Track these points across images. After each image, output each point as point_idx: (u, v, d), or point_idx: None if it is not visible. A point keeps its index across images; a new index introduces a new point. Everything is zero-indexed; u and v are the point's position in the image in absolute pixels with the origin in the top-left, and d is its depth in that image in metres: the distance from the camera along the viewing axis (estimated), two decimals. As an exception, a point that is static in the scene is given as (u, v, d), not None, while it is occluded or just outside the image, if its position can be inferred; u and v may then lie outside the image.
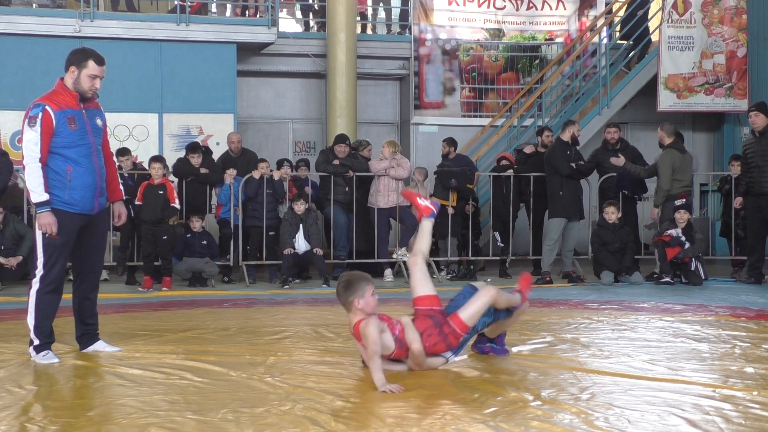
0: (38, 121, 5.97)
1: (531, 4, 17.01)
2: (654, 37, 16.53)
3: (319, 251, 12.13)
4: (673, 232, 11.95)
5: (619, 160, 12.64)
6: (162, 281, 11.42)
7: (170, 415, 4.69)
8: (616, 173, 12.98)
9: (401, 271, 12.62)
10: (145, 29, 14.72)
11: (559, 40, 17.06)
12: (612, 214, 12.22)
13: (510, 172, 13.38)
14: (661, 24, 15.96)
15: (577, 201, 12.55)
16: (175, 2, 15.14)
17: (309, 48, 16.08)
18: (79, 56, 6.16)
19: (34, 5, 14.94)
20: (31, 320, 6.23)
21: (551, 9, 17.11)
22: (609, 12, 17.11)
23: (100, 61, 6.19)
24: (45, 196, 6.04)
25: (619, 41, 17.32)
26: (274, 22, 15.23)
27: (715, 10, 15.95)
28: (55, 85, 6.20)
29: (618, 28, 17.21)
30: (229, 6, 16.25)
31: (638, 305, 9.56)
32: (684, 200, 12.23)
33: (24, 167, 6.09)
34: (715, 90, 15.98)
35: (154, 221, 11.36)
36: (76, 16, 14.42)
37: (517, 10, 16.93)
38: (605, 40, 17.10)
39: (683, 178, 12.31)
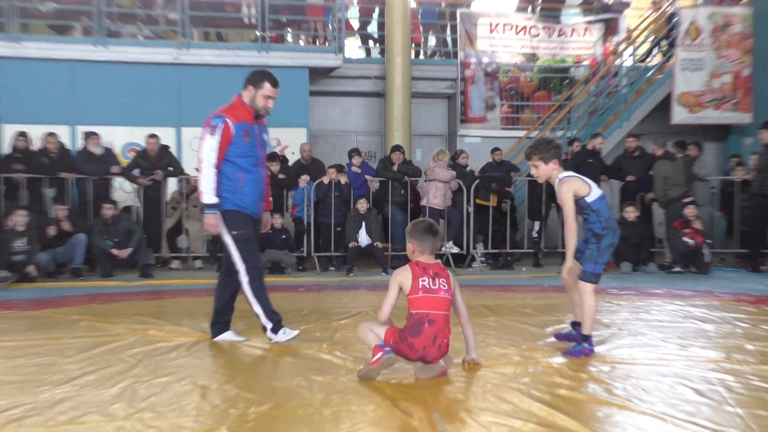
0: (219, 130, 5.80)
1: (561, 32, 16.94)
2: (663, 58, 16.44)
3: (379, 244, 12.18)
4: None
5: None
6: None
7: (254, 381, 4.77)
8: (635, 178, 13.00)
9: (449, 263, 12.63)
10: (231, 56, 14.87)
11: (586, 62, 16.93)
12: (631, 213, 12.23)
13: (543, 176, 13.32)
14: (675, 48, 15.82)
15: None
16: (257, 33, 15.29)
17: (370, 71, 16.14)
18: (257, 78, 5.97)
19: (140, 37, 15.17)
20: (257, 309, 5.98)
21: (579, 36, 17.00)
22: (629, 38, 16.94)
23: (274, 84, 6.00)
24: (215, 199, 5.85)
25: (637, 63, 17.20)
26: (341, 49, 15.32)
27: (723, 35, 15.78)
28: (232, 99, 6.01)
29: (637, 51, 17.10)
30: (302, 35, 16.36)
31: (653, 291, 9.49)
32: (691, 198, 12.30)
33: (199, 170, 5.90)
34: (722, 105, 15.83)
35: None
36: (174, 46, 14.64)
37: (550, 36, 16.84)
38: (626, 63, 16.95)
39: (679, 181, 12.36)
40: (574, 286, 5.76)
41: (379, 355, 4.75)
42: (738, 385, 4.64)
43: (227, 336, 6.12)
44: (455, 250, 12.83)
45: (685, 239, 11.88)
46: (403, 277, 4.91)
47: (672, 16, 16.33)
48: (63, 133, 13.28)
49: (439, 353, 4.84)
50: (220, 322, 6.18)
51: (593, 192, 5.61)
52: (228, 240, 5.96)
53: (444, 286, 4.89)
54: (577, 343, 5.65)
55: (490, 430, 3.78)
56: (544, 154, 5.67)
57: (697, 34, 15.72)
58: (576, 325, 5.86)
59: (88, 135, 12.45)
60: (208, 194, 5.85)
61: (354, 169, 12.99)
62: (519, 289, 9.80)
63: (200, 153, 5.87)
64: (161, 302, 8.63)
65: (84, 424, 3.89)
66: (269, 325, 5.99)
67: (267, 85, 5.96)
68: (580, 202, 5.56)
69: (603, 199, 5.66)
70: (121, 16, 15.08)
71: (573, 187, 5.56)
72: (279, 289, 9.88)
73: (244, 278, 5.95)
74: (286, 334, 5.97)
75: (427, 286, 4.85)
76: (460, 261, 12.92)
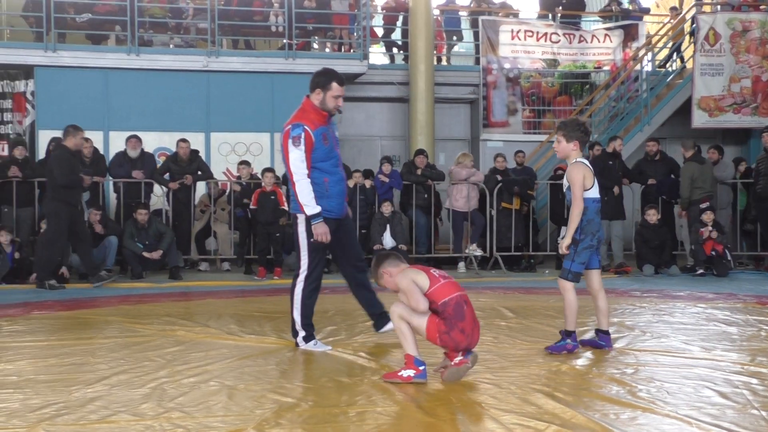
0: (302, 140, 5.67)
1: (582, 38, 16.83)
2: (688, 65, 16.28)
3: (403, 247, 12.12)
4: (705, 230, 11.82)
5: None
6: (274, 271, 11.55)
7: (281, 381, 4.74)
8: (656, 181, 12.88)
9: (472, 265, 12.55)
10: (259, 63, 14.89)
11: (606, 68, 16.80)
12: (653, 216, 12.12)
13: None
14: (694, 53, 15.67)
15: (619, 205, 12.41)
16: (284, 41, 15.30)
17: (394, 77, 16.08)
18: (324, 79, 5.83)
19: (170, 45, 15.22)
20: (297, 315, 5.83)
21: (599, 42, 16.87)
22: (649, 44, 16.79)
23: (341, 82, 5.86)
24: (317, 209, 5.67)
25: (657, 68, 17.05)
26: (366, 56, 15.29)
27: (742, 41, 15.62)
28: (302, 104, 5.90)
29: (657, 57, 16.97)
30: (328, 43, 16.35)
31: (675, 294, 9.37)
32: (708, 203, 12.18)
33: (293, 184, 5.71)
34: (742, 109, 15.66)
35: (267, 222, 11.51)
36: (204, 53, 14.67)
37: (570, 43, 16.73)
38: (646, 68, 16.82)
39: (703, 185, 12.31)
40: (599, 293, 5.70)
41: (412, 373, 4.64)
42: (762, 388, 4.54)
43: (390, 327, 5.82)
44: (479, 252, 12.74)
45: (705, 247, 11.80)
46: (413, 274, 4.78)
47: (691, 21, 16.20)
48: (97, 138, 13.34)
49: (478, 335, 4.80)
50: (375, 315, 6.17)
51: (593, 190, 5.73)
52: (303, 243, 5.80)
53: (445, 273, 4.88)
54: (599, 347, 5.63)
55: (513, 431, 3.71)
56: (570, 133, 5.76)
57: (715, 40, 15.58)
58: (600, 332, 5.79)
59: (129, 138, 12.51)
60: (309, 206, 5.67)
61: (382, 178, 12.91)
62: (542, 291, 9.70)
63: (289, 167, 5.73)
64: (189, 303, 8.63)
65: (114, 423, 3.87)
66: (302, 333, 5.85)
67: (335, 86, 5.83)
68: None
69: (596, 202, 5.77)
70: (153, 26, 15.14)
71: (583, 172, 5.67)
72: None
73: (300, 283, 5.82)
74: (317, 346, 5.82)
75: (441, 274, 4.81)
76: (484, 263, 12.84)
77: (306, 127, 5.73)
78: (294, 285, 5.85)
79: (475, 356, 4.80)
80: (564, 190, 5.94)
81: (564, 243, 5.72)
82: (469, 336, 4.68)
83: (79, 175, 10.46)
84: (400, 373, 4.67)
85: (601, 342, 5.76)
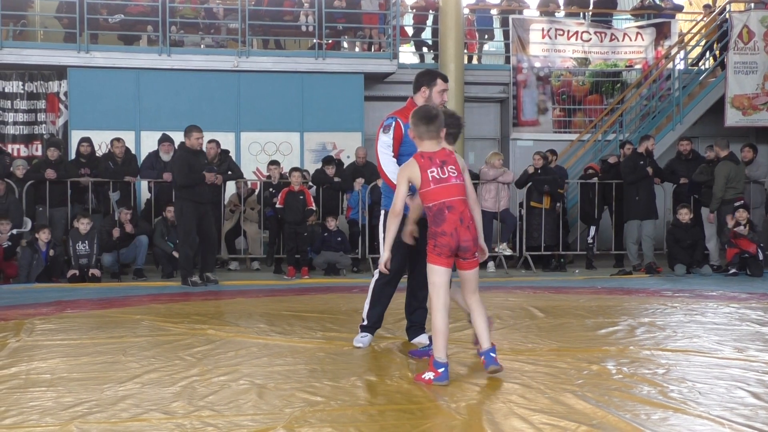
0: (391, 129, 5.87)
1: (613, 37, 16.69)
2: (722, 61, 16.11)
3: (432, 246, 12.07)
4: (738, 229, 11.69)
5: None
6: (302, 271, 11.58)
7: (310, 380, 4.75)
8: (689, 181, 12.77)
9: (502, 264, 12.50)
10: (289, 63, 14.95)
11: (638, 66, 16.65)
12: (685, 215, 12.03)
13: (595, 179, 13.22)
14: (728, 51, 15.50)
15: (651, 204, 12.26)
16: (314, 41, 15.34)
17: (424, 76, 16.04)
18: (428, 77, 5.97)
19: (201, 46, 15.32)
20: (366, 305, 5.98)
21: (631, 40, 16.72)
22: (681, 42, 16.63)
23: (445, 79, 6.01)
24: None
25: (690, 67, 16.88)
26: (395, 55, 15.29)
27: (776, 38, 15.44)
28: (405, 103, 6.01)
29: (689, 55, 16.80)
30: (357, 42, 16.37)
31: (707, 293, 9.27)
32: (741, 201, 12.07)
33: (379, 164, 5.93)
34: (776, 107, 15.48)
35: (295, 221, 11.53)
36: (235, 53, 14.76)
37: (601, 41, 16.60)
38: (678, 66, 16.65)
39: (737, 185, 12.20)
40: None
41: (432, 376, 4.66)
42: (797, 389, 4.47)
43: (421, 339, 5.92)
44: (508, 252, 12.70)
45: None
46: (410, 171, 4.82)
47: (724, 20, 16.01)
48: (128, 138, 13.47)
49: (471, 235, 4.75)
50: (413, 325, 6.10)
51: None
52: (382, 238, 5.80)
53: (453, 173, 4.80)
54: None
55: (543, 431, 3.69)
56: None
57: (749, 38, 15.41)
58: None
59: (161, 141, 12.59)
60: (392, 172, 5.74)
61: None
62: (572, 290, 9.65)
63: (377, 150, 5.95)
64: (219, 302, 8.68)
65: (145, 421, 3.90)
66: (364, 322, 5.97)
67: (439, 81, 5.93)
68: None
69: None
70: (184, 26, 15.25)
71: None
72: (335, 290, 9.88)
73: (376, 274, 5.92)
74: (361, 340, 5.90)
75: (437, 177, 4.76)
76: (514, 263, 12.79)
77: (399, 120, 5.88)
78: (372, 275, 6.02)
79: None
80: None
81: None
82: (453, 236, 4.69)
83: (199, 173, 10.51)
84: (423, 376, 4.69)
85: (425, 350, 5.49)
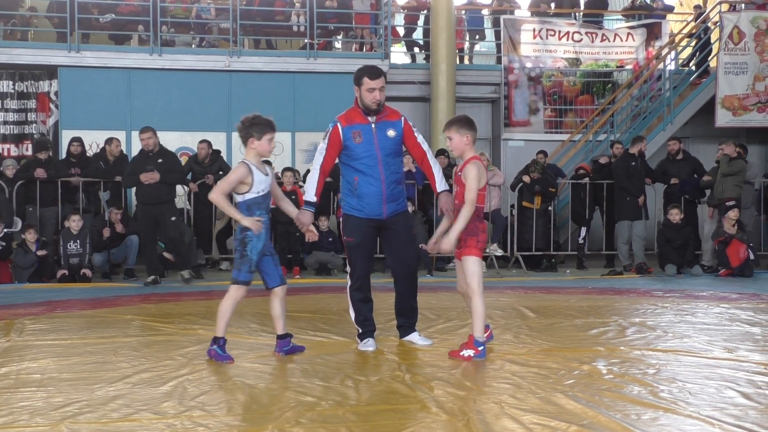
0: (327, 135, 5.70)
1: (604, 37, 16.72)
2: (712, 63, 16.16)
3: (424, 246, 12.05)
4: (727, 228, 11.76)
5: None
6: (293, 271, 11.57)
7: (301, 381, 4.75)
8: (679, 181, 12.81)
9: (493, 264, 12.52)
10: (281, 63, 14.95)
11: (629, 67, 16.70)
12: (675, 215, 12.05)
13: (586, 179, 13.25)
14: (718, 52, 15.56)
15: (641, 205, 12.28)
16: (305, 41, 15.33)
17: (415, 76, 16.06)
18: (357, 76, 5.78)
19: (192, 45, 15.30)
20: (351, 313, 5.90)
21: (622, 40, 16.76)
22: (672, 43, 16.68)
23: (372, 75, 5.72)
24: (312, 198, 5.70)
25: (680, 67, 16.94)
26: (387, 55, 15.30)
27: (766, 39, 15.48)
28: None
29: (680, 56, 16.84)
30: (349, 42, 16.36)
31: (698, 294, 9.30)
32: (734, 201, 12.11)
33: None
34: (766, 108, 15.52)
35: (287, 221, 11.49)
36: (226, 53, 14.75)
37: (593, 42, 16.63)
38: (669, 66, 16.70)
39: (739, 183, 12.22)
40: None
41: (471, 353, 5.22)
42: (786, 389, 4.49)
43: (412, 338, 5.93)
44: (499, 252, 12.72)
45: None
46: (480, 169, 5.57)
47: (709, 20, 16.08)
48: (119, 138, 13.41)
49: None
50: (404, 325, 6.05)
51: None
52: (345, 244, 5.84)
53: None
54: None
55: (534, 431, 3.70)
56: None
57: (740, 38, 15.45)
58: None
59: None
60: (308, 192, 5.76)
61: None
62: (563, 291, 9.67)
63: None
64: (210, 303, 8.64)
65: (136, 421, 3.89)
66: (359, 330, 5.87)
67: (365, 80, 5.73)
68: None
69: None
70: (175, 26, 15.23)
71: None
72: (326, 290, 9.88)
73: (348, 281, 5.89)
74: (365, 345, 5.78)
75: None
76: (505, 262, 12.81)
77: (338, 123, 5.76)
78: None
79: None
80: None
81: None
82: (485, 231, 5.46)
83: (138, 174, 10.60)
84: (461, 353, 5.20)
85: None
